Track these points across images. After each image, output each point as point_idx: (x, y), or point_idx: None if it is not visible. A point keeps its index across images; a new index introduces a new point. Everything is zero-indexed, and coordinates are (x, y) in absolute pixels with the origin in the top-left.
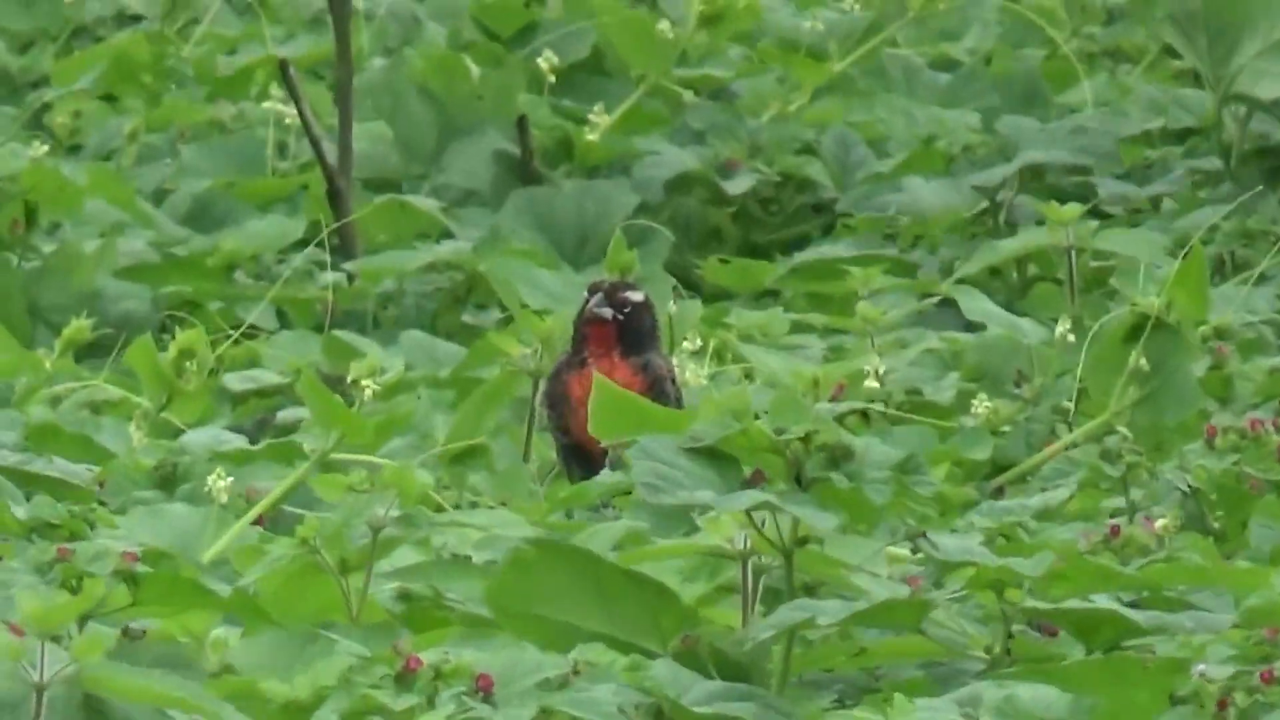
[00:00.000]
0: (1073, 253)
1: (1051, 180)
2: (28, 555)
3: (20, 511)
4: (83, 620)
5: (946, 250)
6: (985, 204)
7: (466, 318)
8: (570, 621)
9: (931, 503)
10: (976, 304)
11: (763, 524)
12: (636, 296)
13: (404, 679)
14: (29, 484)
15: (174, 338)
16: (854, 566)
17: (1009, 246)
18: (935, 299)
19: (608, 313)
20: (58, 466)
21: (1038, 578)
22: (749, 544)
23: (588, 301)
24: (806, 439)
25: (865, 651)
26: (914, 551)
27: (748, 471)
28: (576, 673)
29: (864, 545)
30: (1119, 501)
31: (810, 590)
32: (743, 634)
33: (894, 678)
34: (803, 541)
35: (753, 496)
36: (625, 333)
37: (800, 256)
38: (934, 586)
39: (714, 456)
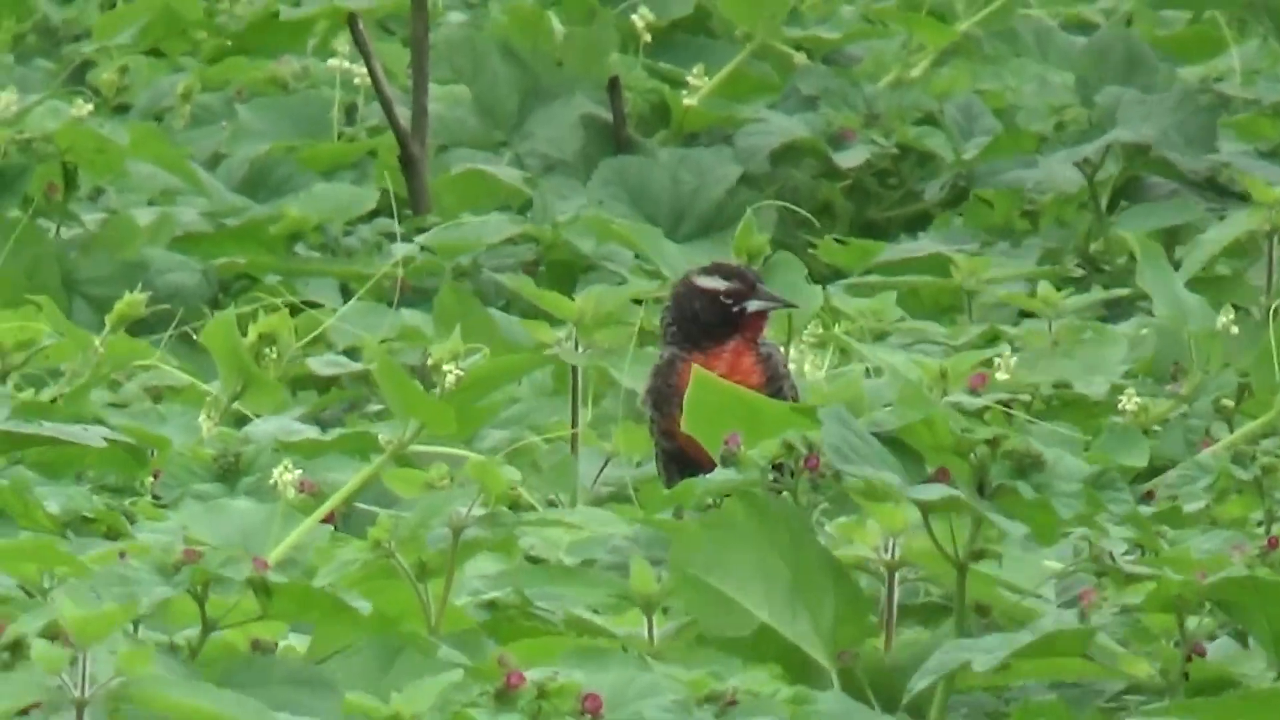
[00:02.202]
0: (1275, 237)
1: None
2: (152, 555)
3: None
4: (206, 631)
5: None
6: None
7: None
8: (744, 605)
9: (1124, 521)
10: (1160, 276)
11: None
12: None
13: (505, 696)
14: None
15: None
16: (1025, 591)
17: (1217, 238)
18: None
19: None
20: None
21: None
22: (895, 554)
23: (693, 287)
24: (994, 443)
25: (1008, 669)
26: (1099, 575)
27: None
28: (733, 703)
29: (1034, 565)
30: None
31: (982, 610)
32: (890, 657)
33: (1018, 698)
34: (978, 555)
35: (943, 490)
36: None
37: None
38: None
39: (897, 446)
